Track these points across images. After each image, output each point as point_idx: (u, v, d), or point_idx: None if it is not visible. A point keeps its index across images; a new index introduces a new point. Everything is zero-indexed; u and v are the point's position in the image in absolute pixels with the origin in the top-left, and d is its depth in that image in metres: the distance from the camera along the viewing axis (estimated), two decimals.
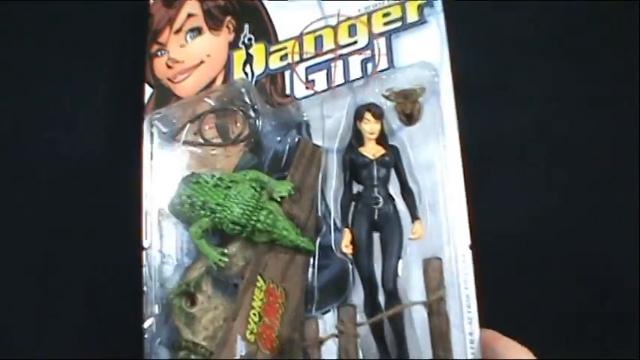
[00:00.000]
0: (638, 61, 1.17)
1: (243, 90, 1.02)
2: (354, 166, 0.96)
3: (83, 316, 1.11)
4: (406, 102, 0.96)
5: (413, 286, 0.92)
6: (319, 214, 0.99)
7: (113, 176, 1.12)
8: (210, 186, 0.97)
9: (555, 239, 1.10)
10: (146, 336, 0.97)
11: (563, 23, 1.21)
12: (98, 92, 1.20)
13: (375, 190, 0.94)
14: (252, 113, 1.01)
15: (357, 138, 0.97)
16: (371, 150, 0.96)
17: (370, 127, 0.95)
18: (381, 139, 0.96)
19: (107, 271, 1.12)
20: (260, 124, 1.01)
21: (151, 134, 1.01)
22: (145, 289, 0.97)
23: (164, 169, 1.00)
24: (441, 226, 0.94)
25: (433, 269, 0.89)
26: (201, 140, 1.00)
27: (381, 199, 0.94)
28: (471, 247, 0.93)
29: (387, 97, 0.97)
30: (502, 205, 1.10)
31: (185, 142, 1.01)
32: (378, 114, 0.96)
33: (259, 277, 0.95)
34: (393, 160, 0.95)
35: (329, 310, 0.96)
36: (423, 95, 0.97)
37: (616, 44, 1.19)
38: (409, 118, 0.95)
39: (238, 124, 1.01)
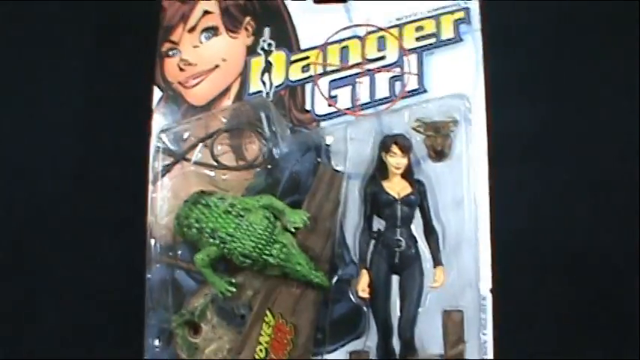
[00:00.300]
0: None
1: (262, 113, 0.94)
2: (376, 202, 0.89)
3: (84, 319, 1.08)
4: (437, 136, 0.89)
5: (430, 335, 0.88)
6: (335, 245, 0.93)
7: (116, 183, 1.07)
8: (220, 212, 0.90)
9: (555, 239, 1.07)
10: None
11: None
12: (105, 93, 1.12)
13: (398, 231, 0.88)
14: (269, 137, 0.94)
15: (380, 170, 0.90)
16: (396, 186, 0.89)
17: (396, 160, 0.89)
18: (407, 173, 0.90)
19: (109, 273, 1.08)
20: (278, 150, 0.94)
21: (158, 149, 0.94)
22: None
23: (171, 189, 0.94)
24: (464, 268, 0.89)
25: (453, 322, 0.85)
26: (213, 162, 0.92)
27: (403, 242, 0.88)
28: (492, 290, 0.89)
29: (416, 130, 0.90)
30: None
31: (196, 163, 0.93)
32: (406, 147, 0.89)
33: (268, 312, 0.90)
34: (418, 198, 0.89)
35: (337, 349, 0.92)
36: (455, 128, 0.90)
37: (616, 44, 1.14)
38: (439, 155, 0.89)
39: (254, 146, 0.94)
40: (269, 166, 0.94)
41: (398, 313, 0.88)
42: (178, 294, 0.94)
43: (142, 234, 0.95)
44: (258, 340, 0.89)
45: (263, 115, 0.94)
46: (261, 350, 0.89)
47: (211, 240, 0.89)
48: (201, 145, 0.94)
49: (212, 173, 0.94)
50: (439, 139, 0.89)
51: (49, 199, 1.10)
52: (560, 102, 1.12)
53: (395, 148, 0.88)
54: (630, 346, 1.04)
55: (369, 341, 0.89)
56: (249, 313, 0.91)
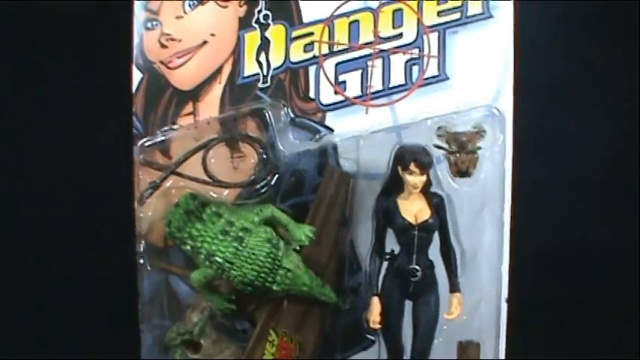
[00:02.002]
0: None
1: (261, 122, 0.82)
2: (389, 221, 0.80)
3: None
4: (461, 152, 0.78)
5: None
6: (342, 253, 0.85)
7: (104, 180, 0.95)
8: (217, 231, 0.81)
9: (555, 239, 1.01)
10: None
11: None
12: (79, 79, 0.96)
13: (414, 258, 0.80)
14: (269, 153, 0.82)
15: (396, 185, 0.80)
16: (412, 207, 0.79)
17: (414, 179, 0.78)
18: (425, 191, 0.80)
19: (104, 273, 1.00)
20: (278, 165, 0.83)
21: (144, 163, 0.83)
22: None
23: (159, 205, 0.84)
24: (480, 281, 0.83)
25: (468, 356, 0.79)
26: (207, 179, 0.81)
27: (419, 272, 0.80)
28: (508, 300, 0.84)
29: (438, 147, 0.79)
30: None
31: (187, 178, 0.82)
32: (426, 163, 0.77)
33: (272, 332, 0.84)
34: (437, 223, 0.79)
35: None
36: (482, 141, 0.79)
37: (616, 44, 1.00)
38: (463, 174, 0.78)
39: (252, 160, 0.83)
40: (269, 182, 0.83)
41: (410, 337, 0.83)
42: (173, 301, 0.88)
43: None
44: (262, 358, 0.85)
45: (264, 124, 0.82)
46: None
47: (208, 263, 0.81)
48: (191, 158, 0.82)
49: (208, 190, 0.83)
50: (464, 157, 0.78)
51: (40, 199, 0.99)
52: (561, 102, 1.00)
53: (414, 167, 0.77)
54: (630, 346, 1.01)
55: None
56: (250, 328, 0.86)
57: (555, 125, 0.98)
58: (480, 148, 0.79)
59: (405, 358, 0.83)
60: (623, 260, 1.01)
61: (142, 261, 0.86)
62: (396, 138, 0.82)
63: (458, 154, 0.79)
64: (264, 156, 0.81)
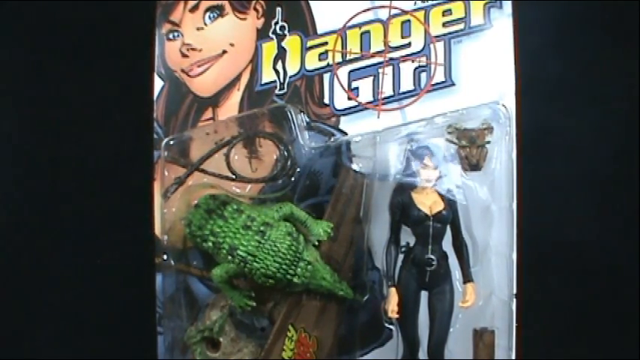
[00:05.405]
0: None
1: (283, 121, 0.86)
2: (405, 215, 0.84)
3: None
4: (471, 147, 0.83)
5: (460, 355, 0.85)
6: (358, 250, 0.88)
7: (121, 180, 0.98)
8: (238, 226, 0.84)
9: (555, 238, 1.03)
10: None
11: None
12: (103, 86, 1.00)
13: (429, 248, 0.84)
14: (290, 146, 0.86)
15: (411, 180, 0.84)
16: (427, 199, 0.84)
17: (428, 173, 0.83)
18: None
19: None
20: (299, 162, 0.87)
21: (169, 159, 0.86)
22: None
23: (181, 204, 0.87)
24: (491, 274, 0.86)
25: (484, 343, 0.82)
26: (230, 175, 0.85)
27: (435, 261, 0.84)
28: (516, 295, 0.87)
29: (450, 141, 0.83)
30: None
31: (210, 174, 0.85)
32: (438, 158, 0.83)
33: (290, 327, 0.86)
34: (450, 213, 0.84)
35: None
36: (490, 136, 0.84)
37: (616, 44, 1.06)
38: (474, 167, 0.83)
39: (274, 156, 0.87)
40: (291, 177, 0.87)
41: (426, 329, 0.85)
42: (192, 302, 0.90)
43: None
44: (280, 355, 0.86)
45: (285, 123, 0.86)
46: None
47: (230, 258, 0.84)
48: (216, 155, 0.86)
49: (231, 185, 0.86)
50: (474, 151, 0.83)
51: (52, 195, 1.01)
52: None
53: (428, 160, 0.82)
54: (630, 346, 1.03)
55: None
56: (269, 326, 0.88)
57: (555, 125, 1.02)
58: (489, 142, 0.84)
59: (420, 352, 0.85)
60: (622, 260, 1.03)
61: (165, 256, 0.88)
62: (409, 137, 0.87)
63: (468, 149, 0.83)
64: (286, 152, 0.85)
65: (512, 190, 0.86)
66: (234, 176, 0.85)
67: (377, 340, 0.89)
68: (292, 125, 0.87)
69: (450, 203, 0.84)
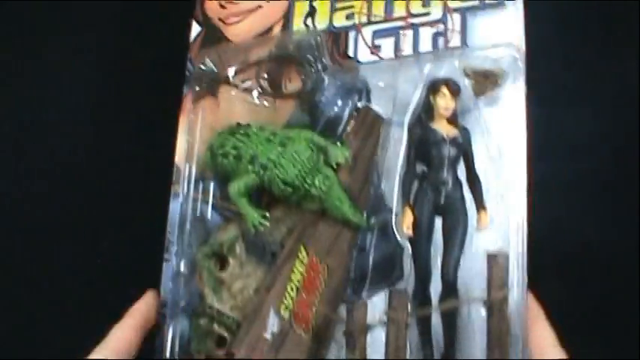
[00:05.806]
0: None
1: (313, 42, 0.92)
2: (422, 143, 0.87)
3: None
4: (486, 82, 0.88)
5: (472, 280, 0.84)
6: (372, 190, 0.90)
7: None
8: (262, 139, 0.87)
9: (555, 238, 1.03)
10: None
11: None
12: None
13: (445, 170, 0.86)
14: (319, 67, 0.91)
15: (427, 112, 0.88)
16: (442, 128, 0.87)
17: (445, 102, 0.87)
18: (453, 118, 0.88)
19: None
20: (324, 83, 0.92)
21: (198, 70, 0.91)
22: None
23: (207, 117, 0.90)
24: (508, 216, 0.86)
25: (498, 266, 0.81)
26: (259, 89, 0.89)
27: (450, 182, 0.86)
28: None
29: (465, 74, 0.89)
30: None
31: (240, 88, 0.90)
32: (456, 90, 0.87)
33: (302, 248, 0.86)
34: (465, 143, 0.87)
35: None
36: (503, 78, 0.89)
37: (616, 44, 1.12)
38: (485, 91, 0.88)
39: (302, 76, 0.92)
40: (314, 99, 0.91)
41: (439, 258, 0.85)
42: (203, 228, 0.90)
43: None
44: (290, 277, 0.84)
45: (314, 43, 0.92)
46: (292, 289, 0.84)
47: (250, 167, 0.85)
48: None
49: (257, 101, 0.91)
50: (488, 86, 0.88)
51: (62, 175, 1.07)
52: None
53: (445, 90, 0.87)
54: (630, 346, 1.01)
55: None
56: (280, 251, 0.87)
57: (555, 125, 1.07)
58: (500, 84, 0.89)
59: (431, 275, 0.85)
60: (622, 260, 1.03)
61: None
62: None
63: (483, 84, 0.88)
64: (315, 70, 0.90)
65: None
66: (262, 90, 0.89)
67: (387, 279, 0.88)
68: (322, 47, 0.93)
69: (464, 132, 0.88)
